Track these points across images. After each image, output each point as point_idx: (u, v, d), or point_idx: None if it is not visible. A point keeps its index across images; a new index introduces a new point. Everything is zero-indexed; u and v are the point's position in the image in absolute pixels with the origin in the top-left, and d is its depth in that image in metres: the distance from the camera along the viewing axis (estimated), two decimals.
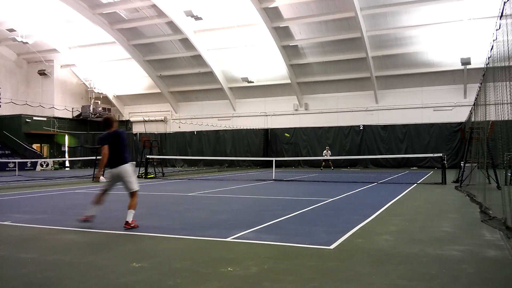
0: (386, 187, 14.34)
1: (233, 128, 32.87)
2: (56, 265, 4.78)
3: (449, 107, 28.18)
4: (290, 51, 29.57)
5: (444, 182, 14.99)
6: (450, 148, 26.47)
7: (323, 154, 26.82)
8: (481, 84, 11.74)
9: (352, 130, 29.54)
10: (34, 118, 33.35)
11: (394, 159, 27.41)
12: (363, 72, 28.98)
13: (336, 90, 30.94)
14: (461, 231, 6.63)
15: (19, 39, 30.15)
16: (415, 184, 15.12)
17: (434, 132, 27.58)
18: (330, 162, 26.91)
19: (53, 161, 31.80)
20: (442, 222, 7.43)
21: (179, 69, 33.57)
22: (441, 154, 17.01)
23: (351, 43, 27.78)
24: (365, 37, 26.20)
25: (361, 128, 29.18)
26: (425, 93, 28.92)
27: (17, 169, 24.65)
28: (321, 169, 26.29)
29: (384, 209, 8.89)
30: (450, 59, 26.81)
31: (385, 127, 28.83)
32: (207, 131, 33.38)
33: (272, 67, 30.97)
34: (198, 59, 31.52)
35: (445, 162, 16.05)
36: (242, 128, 32.55)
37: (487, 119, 10.47)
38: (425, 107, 28.75)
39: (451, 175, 16.61)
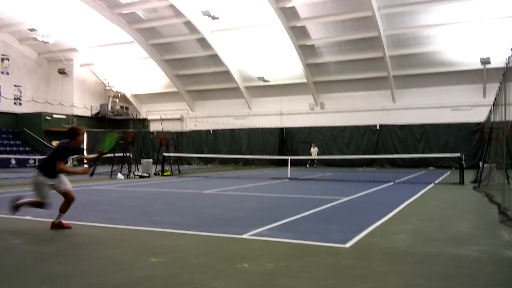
0: (402, 187, 14.22)
1: (248, 127, 32.94)
2: (76, 259, 4.89)
3: (468, 107, 27.73)
4: (306, 51, 29.48)
5: (462, 182, 14.79)
6: (468, 148, 26.05)
7: (311, 152, 27.79)
8: (501, 83, 11.55)
9: (368, 129, 29.32)
10: (54, 116, 33.94)
11: (411, 158, 27.10)
12: (380, 72, 28.72)
13: (353, 89, 30.73)
14: (479, 232, 6.56)
15: (39, 38, 30.73)
16: (432, 184, 14.94)
17: (452, 132, 27.20)
18: (315, 160, 27.84)
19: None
20: (460, 222, 7.36)
21: (195, 68, 33.78)
22: (459, 154, 16.78)
23: (368, 42, 27.55)
24: (382, 36, 25.96)
25: (377, 128, 28.96)
26: (443, 92, 28.51)
27: (37, 165, 25.12)
28: (307, 167, 27.94)
29: (401, 209, 8.82)
30: (469, 58, 26.37)
31: (402, 127, 28.54)
32: (223, 130, 33.52)
33: (288, 67, 30.92)
34: (214, 58, 31.67)
35: (463, 162, 15.83)
36: (257, 127, 32.59)
37: (507, 119, 10.30)
38: (443, 107, 28.33)
39: (469, 175, 16.36)
